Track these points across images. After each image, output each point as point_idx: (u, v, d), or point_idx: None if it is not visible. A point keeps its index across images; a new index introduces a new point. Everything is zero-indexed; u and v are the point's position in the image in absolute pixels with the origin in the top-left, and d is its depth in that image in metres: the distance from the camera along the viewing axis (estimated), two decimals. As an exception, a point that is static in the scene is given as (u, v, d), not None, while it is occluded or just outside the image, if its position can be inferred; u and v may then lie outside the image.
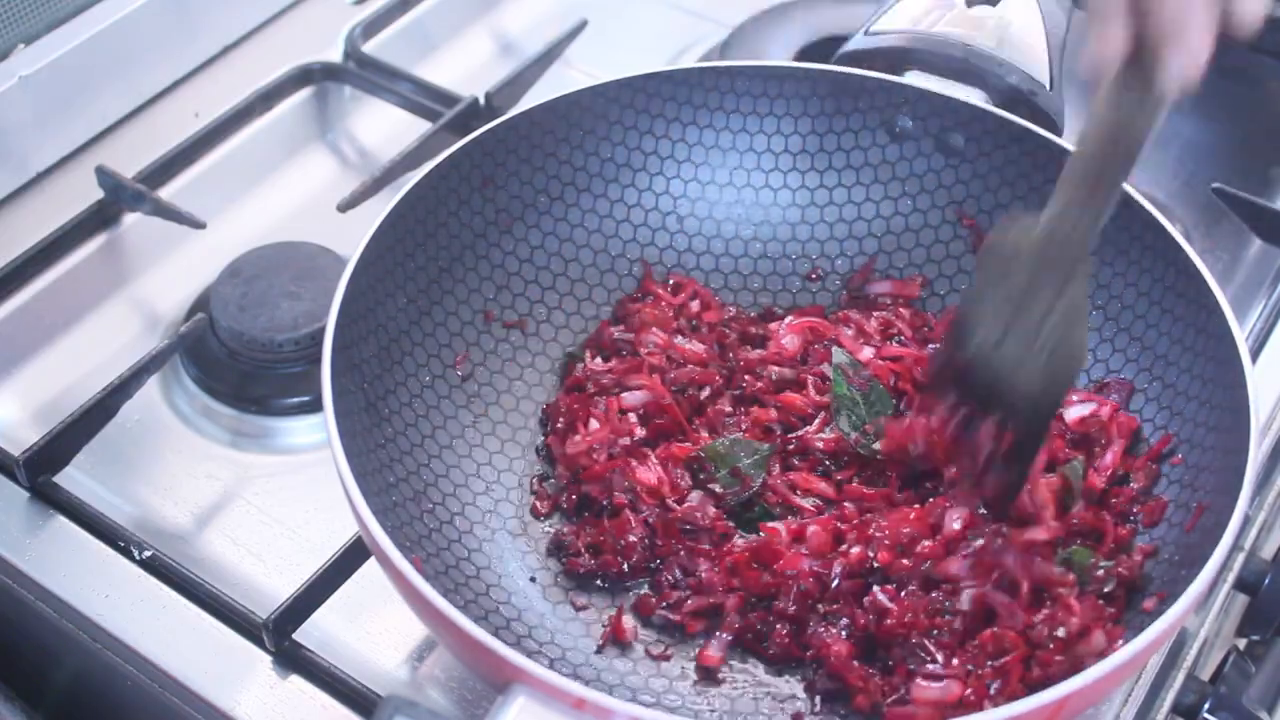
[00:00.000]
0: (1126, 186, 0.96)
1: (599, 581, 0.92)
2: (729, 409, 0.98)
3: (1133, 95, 0.80)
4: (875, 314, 1.03)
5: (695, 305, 1.04)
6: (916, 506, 0.91)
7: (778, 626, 0.88)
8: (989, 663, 0.83)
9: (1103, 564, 0.87)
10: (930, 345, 1.01)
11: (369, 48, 1.30)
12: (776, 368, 1.00)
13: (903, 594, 0.87)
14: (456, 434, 0.96)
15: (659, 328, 1.01)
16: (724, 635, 0.89)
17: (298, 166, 1.26)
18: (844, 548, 0.90)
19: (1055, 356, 0.84)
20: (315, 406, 1.05)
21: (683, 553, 0.91)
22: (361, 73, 1.28)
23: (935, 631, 0.85)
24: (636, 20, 1.42)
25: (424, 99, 1.26)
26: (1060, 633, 0.83)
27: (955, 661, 0.83)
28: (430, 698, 0.90)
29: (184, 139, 1.20)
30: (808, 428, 0.97)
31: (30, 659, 0.99)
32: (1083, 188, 0.83)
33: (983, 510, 0.89)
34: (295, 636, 0.91)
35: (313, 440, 1.05)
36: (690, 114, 1.05)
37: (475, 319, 1.00)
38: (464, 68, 1.36)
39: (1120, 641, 0.82)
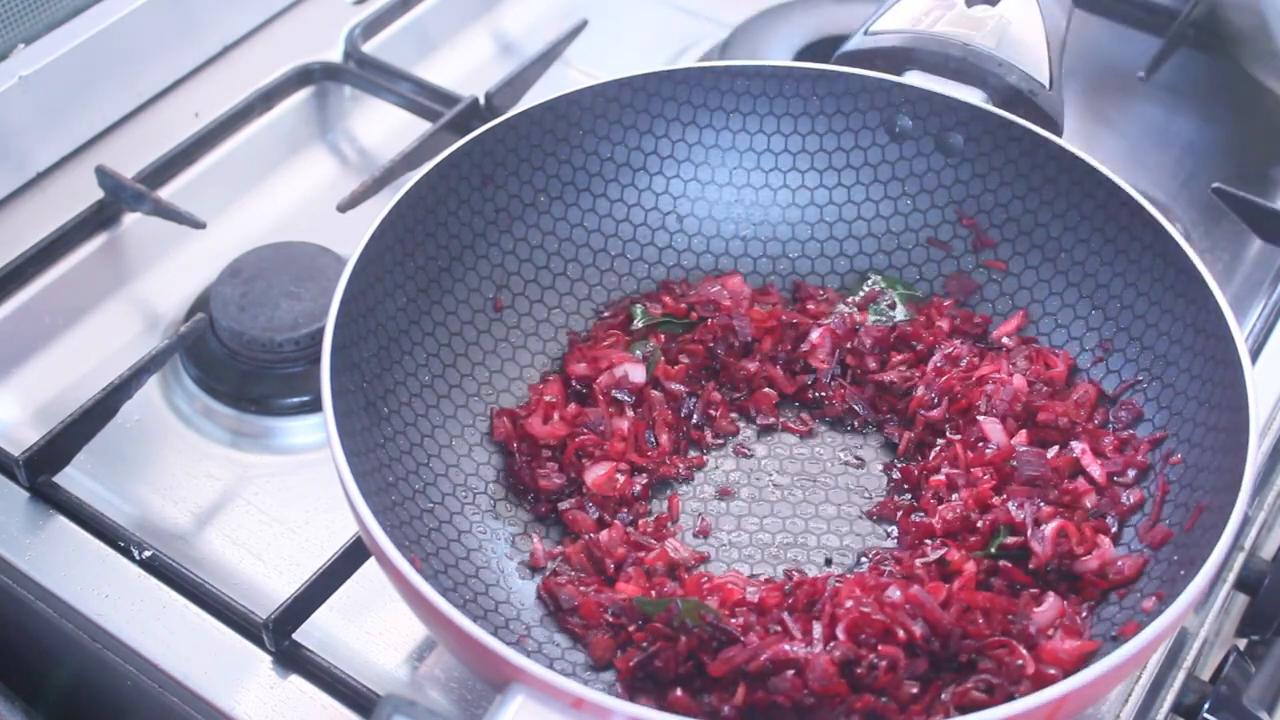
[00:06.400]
0: (1127, 187, 0.96)
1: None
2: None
3: None
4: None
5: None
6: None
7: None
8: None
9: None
10: None
11: (369, 48, 1.30)
12: None
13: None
14: (456, 433, 0.96)
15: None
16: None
17: (298, 166, 1.26)
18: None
19: None
20: (315, 406, 1.05)
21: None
22: (361, 73, 1.28)
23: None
24: (636, 20, 1.43)
25: (424, 99, 1.26)
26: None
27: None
28: (430, 698, 0.90)
29: (184, 139, 1.20)
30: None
31: (30, 659, 0.99)
32: None
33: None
34: (295, 636, 0.91)
35: (313, 440, 1.05)
36: (690, 114, 1.05)
37: (475, 318, 1.00)
38: (464, 68, 1.36)
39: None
